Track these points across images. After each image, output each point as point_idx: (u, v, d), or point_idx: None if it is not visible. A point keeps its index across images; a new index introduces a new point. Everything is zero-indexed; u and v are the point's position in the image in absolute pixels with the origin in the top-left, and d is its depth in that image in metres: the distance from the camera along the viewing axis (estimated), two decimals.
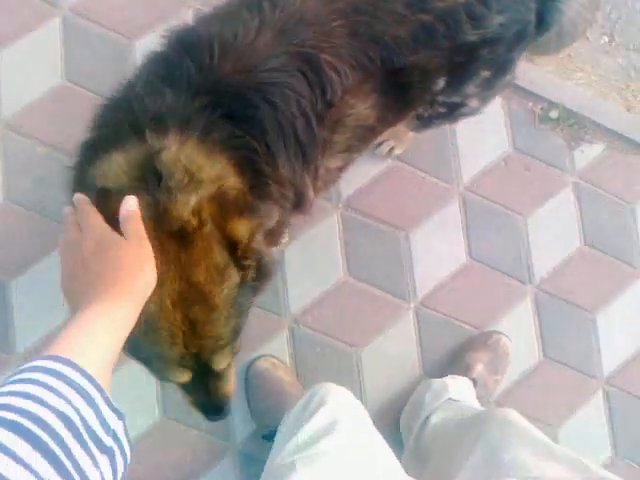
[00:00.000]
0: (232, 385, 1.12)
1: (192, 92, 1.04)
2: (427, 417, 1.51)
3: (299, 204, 1.26)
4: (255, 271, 1.04)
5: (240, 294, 1.01)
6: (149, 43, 1.85)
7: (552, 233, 1.99)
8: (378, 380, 1.81)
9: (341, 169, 1.36)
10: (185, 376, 1.01)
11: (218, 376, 1.07)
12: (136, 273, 0.87)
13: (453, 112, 1.49)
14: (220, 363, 1.03)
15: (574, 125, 2.09)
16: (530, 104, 2.07)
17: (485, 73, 1.36)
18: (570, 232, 2.00)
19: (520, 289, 1.93)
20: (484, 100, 1.49)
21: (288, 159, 1.14)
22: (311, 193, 1.25)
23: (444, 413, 1.47)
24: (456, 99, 1.42)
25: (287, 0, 1.12)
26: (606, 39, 2.28)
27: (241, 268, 1.01)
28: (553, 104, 2.08)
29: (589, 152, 2.07)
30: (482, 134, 1.99)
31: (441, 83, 1.31)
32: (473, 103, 1.47)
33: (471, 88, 1.39)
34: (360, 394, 1.80)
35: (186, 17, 1.91)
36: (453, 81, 1.32)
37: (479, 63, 1.31)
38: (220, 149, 1.03)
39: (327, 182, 1.35)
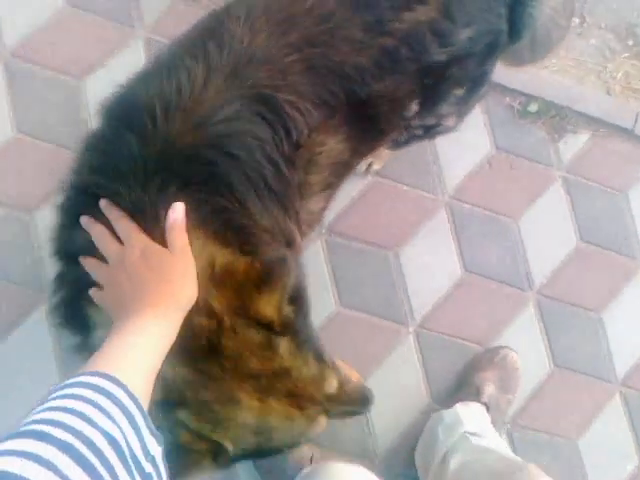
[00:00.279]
0: (354, 374, 1.13)
1: (141, 177, 0.95)
2: (444, 454, 1.42)
3: (289, 248, 1.17)
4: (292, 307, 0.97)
5: (296, 337, 0.96)
6: (100, 81, 1.77)
7: (546, 233, 1.90)
8: (386, 415, 1.71)
9: (324, 209, 1.27)
10: (324, 420, 1.01)
11: (340, 387, 1.03)
12: (179, 289, 0.87)
13: (429, 132, 1.41)
14: (332, 386, 1.01)
15: (555, 117, 2.01)
16: (507, 100, 1.99)
17: (458, 91, 1.28)
18: (565, 229, 1.92)
19: (521, 297, 1.85)
20: (461, 116, 1.42)
21: (265, 209, 1.05)
22: (298, 238, 1.17)
23: (464, 456, 1.39)
24: (431, 121, 1.35)
25: (234, 39, 1.03)
26: (577, 20, 2.19)
27: (283, 333, 0.95)
28: (531, 97, 2.00)
29: (574, 143, 1.98)
30: (461, 137, 1.88)
31: (413, 107, 1.23)
32: (449, 122, 1.39)
33: (445, 108, 1.31)
34: (369, 431, 1.71)
35: (137, 49, 1.81)
36: (426, 103, 1.24)
37: (451, 82, 1.23)
38: (191, 226, 0.93)
39: (311, 224, 1.27)
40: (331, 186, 1.21)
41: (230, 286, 0.93)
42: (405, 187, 1.86)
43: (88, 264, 0.94)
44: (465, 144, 1.90)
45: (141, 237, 0.90)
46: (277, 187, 1.05)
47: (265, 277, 0.93)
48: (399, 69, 1.12)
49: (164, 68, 1.04)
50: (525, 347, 1.79)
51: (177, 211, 0.90)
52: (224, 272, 0.93)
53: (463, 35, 1.14)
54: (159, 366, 0.80)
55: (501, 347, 1.74)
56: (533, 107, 1.99)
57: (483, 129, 1.94)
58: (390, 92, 1.14)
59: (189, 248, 0.90)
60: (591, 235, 1.92)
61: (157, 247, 0.89)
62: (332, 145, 1.12)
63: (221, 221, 0.98)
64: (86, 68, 1.78)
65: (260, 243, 1.02)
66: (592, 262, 1.91)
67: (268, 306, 0.93)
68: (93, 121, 1.66)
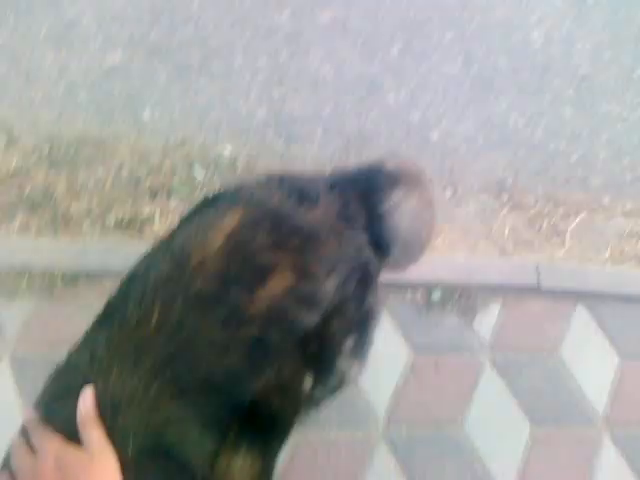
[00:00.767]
0: None
1: None
2: None
3: None
4: None
5: None
6: None
7: (496, 428, 1.72)
8: None
9: None
10: None
11: None
12: None
13: (337, 390, 1.24)
14: None
15: (461, 297, 1.92)
16: (408, 296, 1.88)
17: (349, 340, 1.15)
18: (513, 417, 1.75)
19: None
20: (363, 358, 1.26)
21: None
22: None
23: None
24: (334, 380, 1.19)
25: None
26: (450, 192, 2.20)
27: None
28: (431, 285, 1.90)
29: (488, 319, 1.89)
30: (375, 353, 1.75)
31: (308, 381, 1.09)
32: (354, 370, 1.23)
33: (343, 361, 1.17)
34: None
35: (3, 371, 1.58)
36: (320, 370, 1.11)
37: (337, 336, 1.11)
38: None
39: None
40: None
41: None
42: (334, 434, 1.65)
43: None
44: (381, 359, 1.72)
45: (54, 444, 0.84)
46: None
47: None
48: (275, 354, 0.99)
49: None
50: None
51: (87, 401, 0.85)
52: None
53: (329, 286, 1.03)
54: None
55: None
56: (436, 295, 1.90)
57: (394, 336, 1.81)
58: (276, 381, 1.01)
59: (105, 440, 0.84)
60: (541, 415, 1.76)
61: (71, 452, 0.83)
62: (240, 464, 1.00)
63: None
64: None
65: None
66: (553, 444, 1.73)
67: None
68: None
